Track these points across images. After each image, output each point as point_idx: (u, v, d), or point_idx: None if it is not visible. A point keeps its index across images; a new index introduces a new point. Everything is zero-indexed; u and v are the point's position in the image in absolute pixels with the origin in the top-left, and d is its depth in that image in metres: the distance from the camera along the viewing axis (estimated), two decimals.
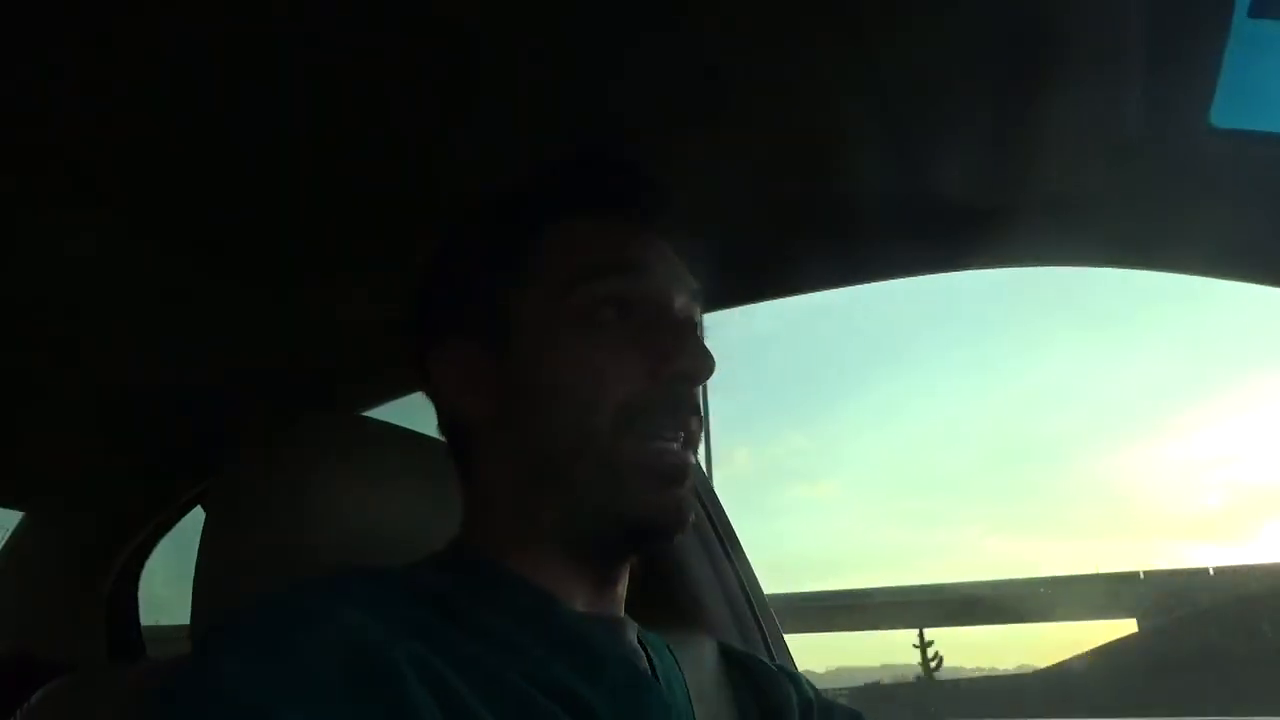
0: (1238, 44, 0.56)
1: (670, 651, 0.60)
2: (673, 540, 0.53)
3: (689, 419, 0.54)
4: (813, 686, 0.67)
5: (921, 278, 0.84)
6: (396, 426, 0.68)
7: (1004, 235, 0.77)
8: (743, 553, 1.10)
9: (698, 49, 0.58)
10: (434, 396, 0.58)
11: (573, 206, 0.57)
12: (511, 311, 0.55)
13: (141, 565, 1.43)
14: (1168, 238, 0.74)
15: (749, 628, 1.04)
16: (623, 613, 0.57)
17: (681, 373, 0.53)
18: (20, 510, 1.39)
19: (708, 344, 0.55)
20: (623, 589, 0.56)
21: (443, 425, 0.59)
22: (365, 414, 1.05)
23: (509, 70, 0.59)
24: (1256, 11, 0.55)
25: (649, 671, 0.54)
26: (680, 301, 0.56)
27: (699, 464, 0.57)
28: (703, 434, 0.57)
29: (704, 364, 0.53)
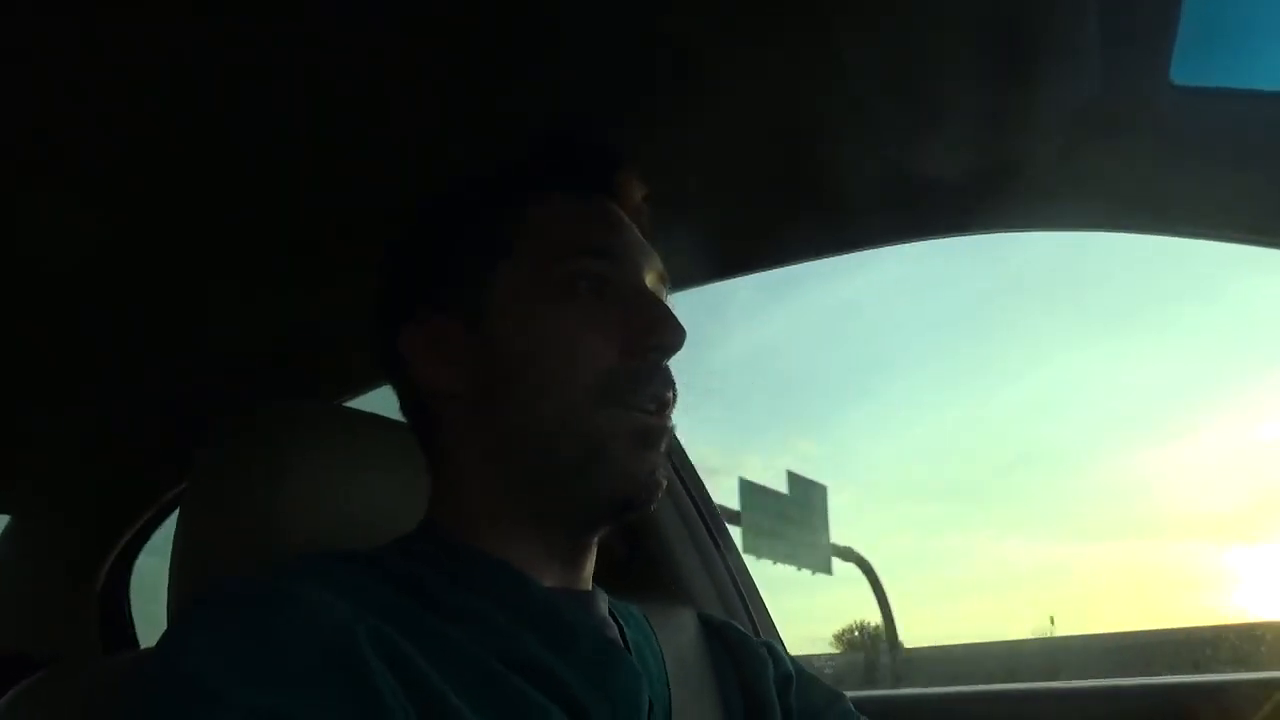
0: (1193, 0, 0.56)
1: (647, 622, 0.61)
2: (647, 510, 0.54)
3: (665, 390, 0.55)
4: (794, 661, 0.67)
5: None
6: (368, 413, 0.68)
7: (977, 204, 0.78)
8: (723, 524, 1.11)
9: (678, 29, 0.58)
10: (401, 373, 0.58)
11: (547, 185, 0.58)
12: (486, 285, 0.55)
13: (132, 563, 1.43)
14: (1136, 199, 0.75)
15: (732, 601, 1.05)
16: (591, 586, 0.57)
17: (658, 344, 0.54)
18: (7, 514, 1.39)
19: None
20: (591, 563, 0.57)
21: (408, 403, 0.59)
22: (343, 403, 1.05)
23: (493, 51, 0.59)
24: None
25: (620, 642, 0.55)
26: (651, 279, 0.57)
27: (676, 438, 0.58)
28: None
29: (678, 335, 0.54)
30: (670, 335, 0.54)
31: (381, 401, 1.08)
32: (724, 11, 0.57)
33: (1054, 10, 0.59)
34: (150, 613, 1.46)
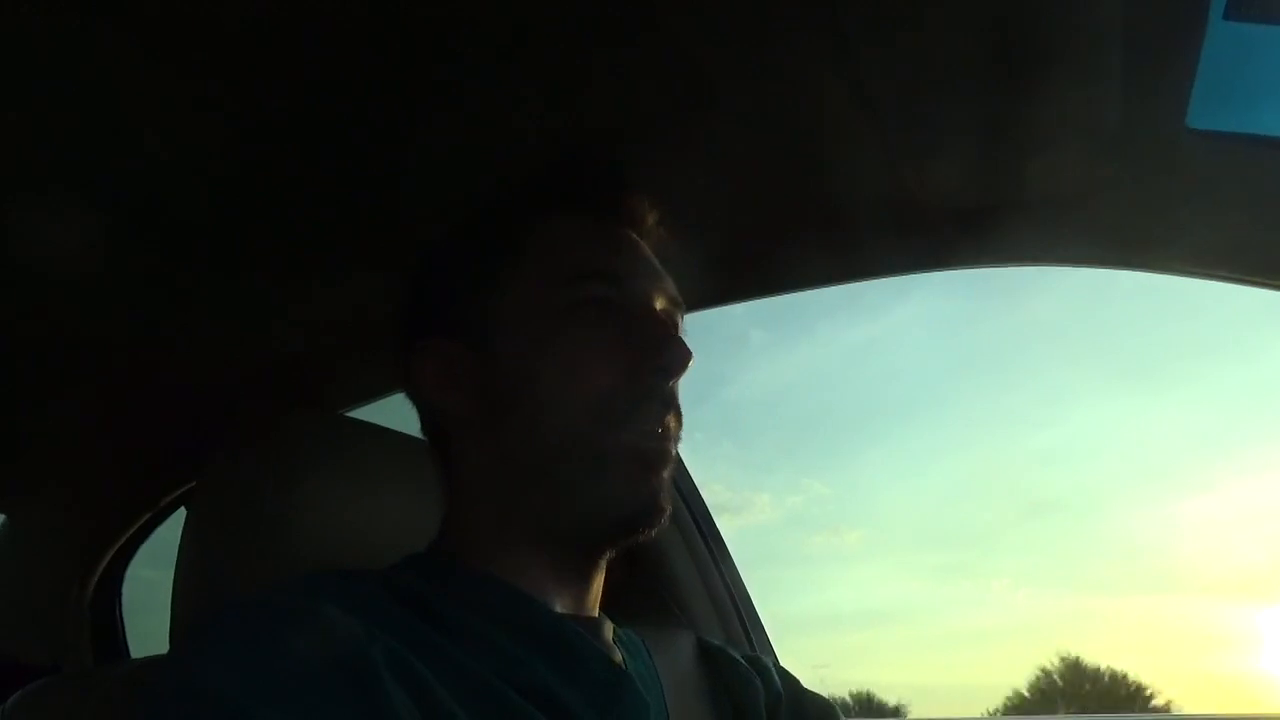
0: (1213, 46, 0.57)
1: (646, 648, 0.61)
2: (653, 532, 0.54)
3: (668, 415, 0.55)
4: (785, 676, 0.67)
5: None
6: (379, 426, 0.68)
7: (987, 236, 0.78)
8: (725, 547, 1.11)
9: (685, 51, 0.58)
10: (415, 396, 0.59)
11: (556, 208, 0.58)
12: (494, 310, 0.55)
13: (125, 568, 1.42)
14: (1148, 238, 0.75)
15: (731, 621, 1.05)
16: (598, 612, 0.57)
17: (662, 367, 0.53)
18: (2, 513, 1.38)
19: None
20: (598, 589, 0.57)
21: (425, 425, 0.59)
22: (349, 414, 1.05)
23: (499, 72, 0.59)
24: (1231, 14, 0.56)
25: (625, 669, 0.55)
26: (660, 303, 0.57)
27: (680, 459, 0.57)
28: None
29: (681, 357, 0.54)
30: (673, 357, 0.53)
31: (381, 411, 1.08)
32: (729, 32, 0.57)
33: (1075, 48, 0.60)
34: (138, 620, 1.45)
